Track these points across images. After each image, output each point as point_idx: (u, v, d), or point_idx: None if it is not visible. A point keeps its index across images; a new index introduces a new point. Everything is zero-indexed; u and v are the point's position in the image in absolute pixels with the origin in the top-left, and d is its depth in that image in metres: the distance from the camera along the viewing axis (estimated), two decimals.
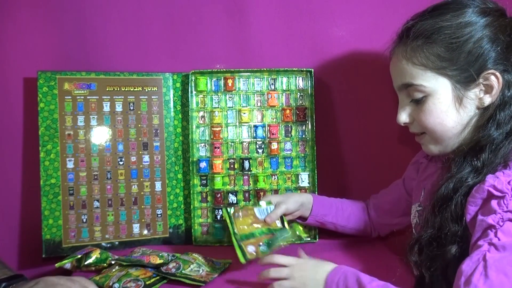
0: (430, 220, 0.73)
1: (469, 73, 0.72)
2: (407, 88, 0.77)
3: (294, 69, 1.08)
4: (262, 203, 0.95)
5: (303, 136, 1.09)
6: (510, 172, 0.66)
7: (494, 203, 0.64)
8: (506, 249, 0.60)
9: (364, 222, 1.01)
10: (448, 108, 0.74)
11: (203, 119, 1.09)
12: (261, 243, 0.85)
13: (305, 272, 0.75)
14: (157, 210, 1.07)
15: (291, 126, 1.09)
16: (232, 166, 1.08)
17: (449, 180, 0.71)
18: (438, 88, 0.74)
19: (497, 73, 0.71)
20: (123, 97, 1.06)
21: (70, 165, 1.02)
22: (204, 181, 1.08)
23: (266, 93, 1.08)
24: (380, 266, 0.87)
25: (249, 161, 1.07)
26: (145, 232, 1.06)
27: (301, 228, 1.00)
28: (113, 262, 0.88)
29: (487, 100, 0.72)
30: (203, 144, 1.08)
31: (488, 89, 0.72)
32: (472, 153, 0.71)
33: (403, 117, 0.80)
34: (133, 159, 1.06)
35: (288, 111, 1.08)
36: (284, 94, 1.09)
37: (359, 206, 1.03)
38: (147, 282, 0.81)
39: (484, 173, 0.68)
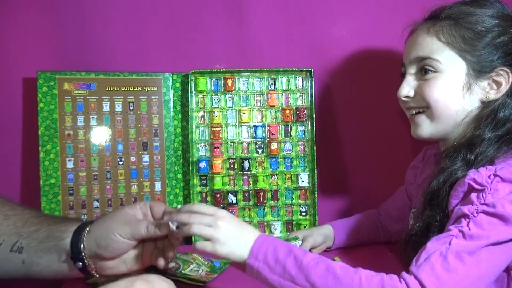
0: (421, 214, 0.74)
1: (485, 64, 0.74)
2: (420, 61, 0.77)
3: (294, 69, 1.08)
4: (291, 240, 0.94)
5: (303, 136, 1.09)
6: (492, 168, 0.67)
7: (473, 195, 0.65)
8: (473, 239, 0.62)
9: (381, 232, 1.02)
10: (455, 91, 0.74)
11: (202, 119, 1.09)
12: None
13: (229, 237, 0.67)
14: None
15: (290, 126, 1.09)
16: (231, 166, 1.08)
17: (440, 174, 0.72)
18: (453, 68, 0.75)
19: (510, 72, 0.73)
20: (122, 97, 1.06)
21: (69, 165, 1.02)
22: (204, 181, 1.08)
23: (265, 93, 1.08)
24: (380, 266, 0.87)
25: (248, 161, 1.07)
26: None
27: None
28: None
29: (493, 95, 0.74)
30: (202, 144, 1.08)
31: (497, 85, 0.74)
32: (465, 148, 0.72)
33: (406, 89, 0.79)
34: (133, 159, 1.06)
35: (287, 111, 1.08)
36: (283, 94, 1.09)
37: (373, 218, 1.02)
38: None
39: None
